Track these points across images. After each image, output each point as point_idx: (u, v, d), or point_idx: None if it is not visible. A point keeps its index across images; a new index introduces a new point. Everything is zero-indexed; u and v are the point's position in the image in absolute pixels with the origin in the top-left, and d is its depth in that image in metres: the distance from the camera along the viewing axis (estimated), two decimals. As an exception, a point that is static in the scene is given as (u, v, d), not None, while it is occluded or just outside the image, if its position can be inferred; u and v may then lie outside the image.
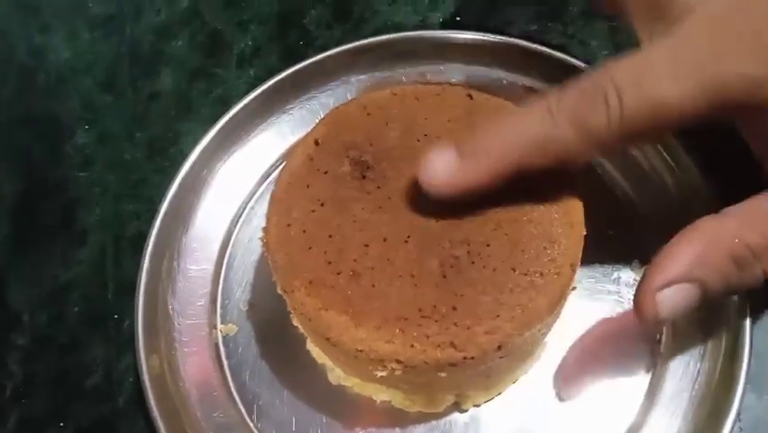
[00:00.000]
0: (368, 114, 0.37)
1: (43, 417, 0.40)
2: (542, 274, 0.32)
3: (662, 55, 0.30)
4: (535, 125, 0.31)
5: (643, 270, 0.40)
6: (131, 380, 0.40)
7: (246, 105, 0.45)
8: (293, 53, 0.50)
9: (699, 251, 0.31)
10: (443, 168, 0.31)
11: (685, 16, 0.30)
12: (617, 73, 0.30)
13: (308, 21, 0.51)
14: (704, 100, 0.29)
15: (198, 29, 0.51)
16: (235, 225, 0.44)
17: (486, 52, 0.45)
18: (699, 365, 0.38)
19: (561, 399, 0.38)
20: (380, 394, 0.37)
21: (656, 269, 0.31)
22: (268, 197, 0.43)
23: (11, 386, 0.40)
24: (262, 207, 0.44)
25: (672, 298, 0.31)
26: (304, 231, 0.34)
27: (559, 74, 0.44)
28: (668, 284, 0.31)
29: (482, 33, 0.46)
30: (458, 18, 0.51)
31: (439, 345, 0.31)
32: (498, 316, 0.31)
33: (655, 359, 0.38)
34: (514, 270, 0.32)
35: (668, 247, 0.31)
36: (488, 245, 0.33)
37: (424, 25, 0.50)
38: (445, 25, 0.50)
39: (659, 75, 0.29)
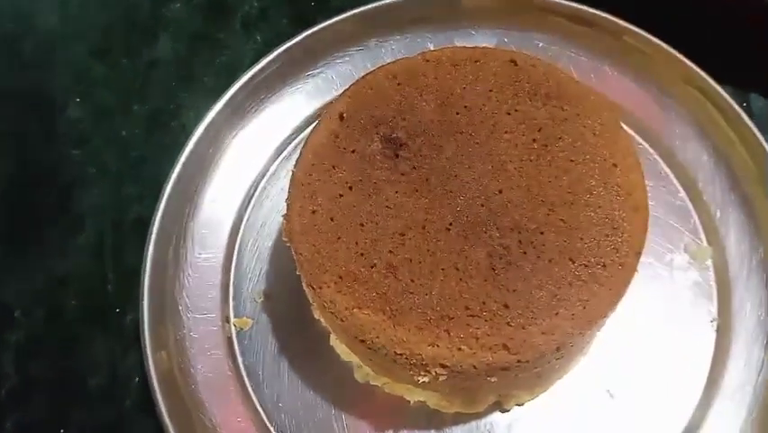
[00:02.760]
0: (398, 83, 0.33)
1: (42, 422, 0.36)
2: (604, 265, 0.28)
3: None
4: None
5: (696, 253, 0.37)
6: (137, 380, 0.37)
7: (254, 75, 0.41)
8: (304, 16, 0.45)
9: None
10: None
11: None
12: None
13: (321, -21, 0.47)
14: None
15: (199, -11, 0.47)
16: (246, 208, 0.40)
17: (517, 10, 0.41)
18: (763, 355, 0.34)
19: (611, 394, 0.35)
20: (414, 394, 0.34)
21: None
22: (281, 175, 0.40)
23: (6, 389, 0.37)
24: (275, 187, 0.40)
25: None
26: (331, 219, 0.30)
27: (593, 33, 0.40)
28: None
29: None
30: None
31: (490, 348, 0.27)
32: (556, 313, 0.28)
33: (715, 350, 0.35)
34: (572, 261, 0.28)
35: None
36: (541, 233, 0.29)
37: (448, -17, 0.45)
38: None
39: None
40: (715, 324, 0.36)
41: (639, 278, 0.36)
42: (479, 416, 0.34)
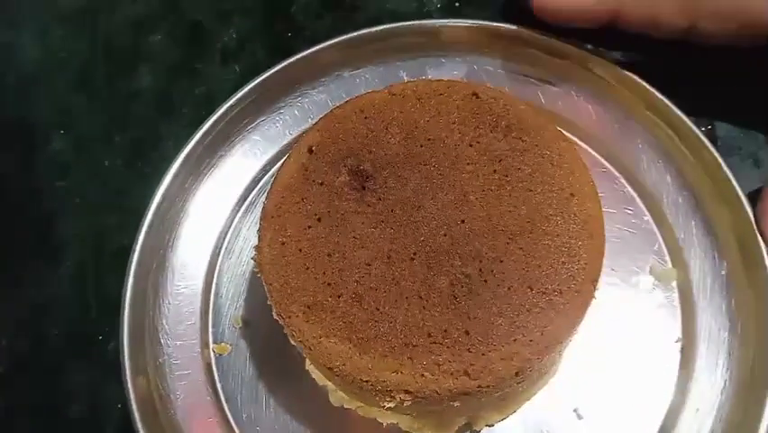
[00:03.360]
0: (365, 117, 0.34)
1: (26, 450, 0.37)
2: (561, 293, 0.29)
3: None
4: None
5: (661, 274, 0.38)
6: (119, 407, 0.38)
7: (232, 106, 0.42)
8: (281, 46, 0.46)
9: None
10: None
11: None
12: None
13: (296, 9, 0.48)
14: None
15: (178, 21, 0.48)
16: (225, 236, 0.41)
17: (489, 41, 0.42)
18: (725, 374, 0.35)
19: (579, 414, 0.36)
20: (387, 417, 0.35)
21: None
22: (258, 204, 0.41)
23: (-10, 417, 0.38)
24: (253, 216, 0.41)
25: None
26: (300, 250, 0.31)
27: (561, 62, 0.42)
28: None
29: (484, 21, 0.42)
30: (457, 4, 0.47)
31: (452, 374, 0.28)
32: (514, 340, 0.29)
33: (680, 370, 0.36)
34: (531, 288, 0.29)
35: None
36: (501, 261, 0.30)
37: (421, 13, 0.47)
38: (444, 12, 0.47)
39: None
40: (680, 344, 0.37)
41: (606, 299, 0.37)
42: (450, 437, 0.35)
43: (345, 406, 0.36)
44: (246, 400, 0.37)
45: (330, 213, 0.32)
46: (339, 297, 0.30)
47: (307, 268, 0.31)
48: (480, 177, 0.32)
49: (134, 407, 0.35)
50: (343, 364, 0.29)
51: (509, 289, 0.29)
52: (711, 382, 0.36)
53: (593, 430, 0.35)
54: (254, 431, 0.36)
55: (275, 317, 0.31)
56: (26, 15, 0.49)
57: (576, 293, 0.29)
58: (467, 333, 0.29)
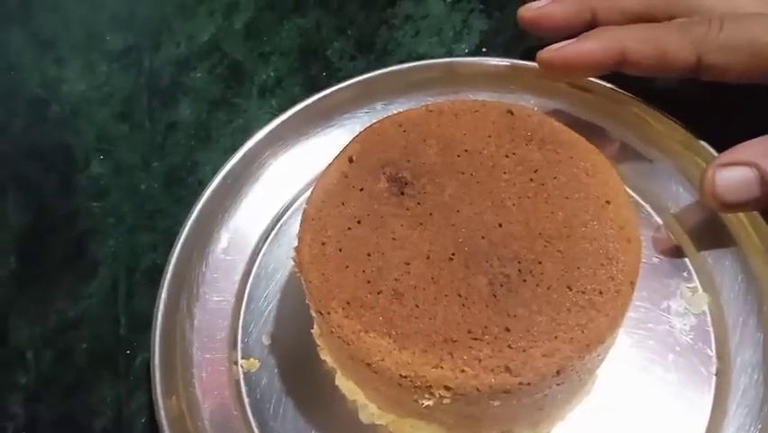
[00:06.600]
0: (404, 130, 0.35)
1: (47, 463, 0.36)
2: (601, 292, 0.30)
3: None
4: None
5: (693, 297, 0.38)
6: (143, 421, 0.37)
7: (268, 133, 0.43)
8: (316, 84, 0.48)
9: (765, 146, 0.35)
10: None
11: None
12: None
13: (331, 53, 0.50)
14: None
15: (219, 61, 0.50)
16: (257, 255, 0.41)
17: (517, 78, 0.44)
18: (761, 397, 0.35)
19: (614, 438, 0.35)
20: (419, 432, 0.34)
21: (725, 153, 0.36)
22: (291, 225, 0.42)
23: (12, 428, 0.37)
24: (285, 238, 0.42)
25: (731, 176, 0.35)
26: (340, 249, 0.32)
27: (587, 97, 0.43)
28: (730, 164, 0.35)
29: (512, 60, 0.44)
30: (483, 50, 0.50)
31: (492, 370, 0.28)
32: (555, 337, 0.29)
33: (715, 392, 0.35)
34: (570, 288, 0.30)
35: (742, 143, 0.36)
36: (540, 263, 0.30)
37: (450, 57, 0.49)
38: (471, 57, 0.49)
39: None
40: (714, 368, 0.36)
41: (637, 322, 0.37)
42: (483, 457, 0.34)
43: (376, 422, 0.35)
44: (273, 416, 0.36)
45: (370, 216, 0.32)
46: (379, 293, 0.30)
47: (347, 266, 0.31)
48: (516, 184, 0.33)
49: (164, 421, 0.34)
50: (382, 360, 0.29)
51: (549, 288, 0.30)
52: (748, 407, 0.35)
53: (629, 453, 0.34)
54: (281, 448, 0.35)
55: (313, 314, 0.32)
56: (74, 53, 0.51)
57: (616, 293, 0.30)
58: (507, 330, 0.29)
